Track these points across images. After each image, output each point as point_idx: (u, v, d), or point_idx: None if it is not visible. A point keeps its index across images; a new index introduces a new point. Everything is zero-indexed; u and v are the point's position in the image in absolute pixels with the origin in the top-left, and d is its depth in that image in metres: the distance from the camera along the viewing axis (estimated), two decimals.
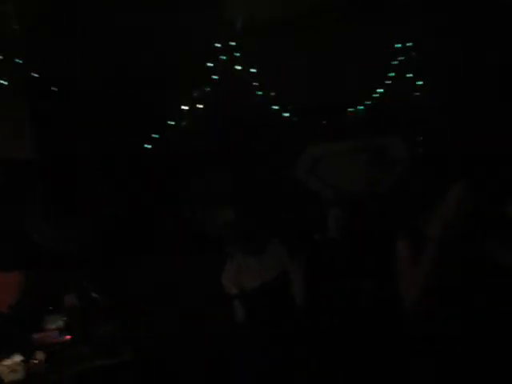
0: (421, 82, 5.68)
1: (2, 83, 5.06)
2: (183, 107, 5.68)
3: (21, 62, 5.07)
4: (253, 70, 5.73)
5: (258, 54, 5.63)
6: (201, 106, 5.69)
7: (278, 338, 4.42)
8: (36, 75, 5.19)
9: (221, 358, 4.78)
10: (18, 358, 4.23)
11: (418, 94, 5.70)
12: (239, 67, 5.70)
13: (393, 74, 5.76)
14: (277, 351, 4.38)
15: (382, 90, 5.80)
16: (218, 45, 5.66)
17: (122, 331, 4.76)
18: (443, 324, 2.65)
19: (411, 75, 5.70)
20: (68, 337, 4.74)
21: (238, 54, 5.69)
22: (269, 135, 5.85)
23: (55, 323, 4.82)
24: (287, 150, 5.94)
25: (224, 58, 5.67)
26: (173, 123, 5.68)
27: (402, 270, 2.72)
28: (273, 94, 5.80)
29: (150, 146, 5.65)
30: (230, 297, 4.62)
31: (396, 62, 5.73)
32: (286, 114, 5.86)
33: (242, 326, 4.59)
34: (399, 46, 5.68)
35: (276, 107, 5.84)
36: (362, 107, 5.87)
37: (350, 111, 5.87)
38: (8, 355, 4.23)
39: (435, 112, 5.63)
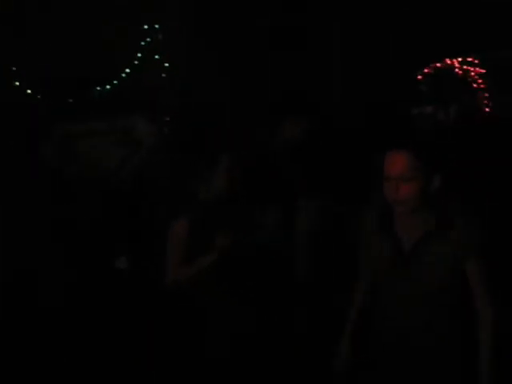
0: (167, 64, 5.81)
1: None
2: None
3: None
4: None
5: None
6: None
7: None
8: None
9: None
10: None
11: (164, 75, 5.83)
12: None
13: (140, 55, 5.79)
14: None
15: (129, 71, 5.80)
16: None
17: None
18: None
19: (158, 57, 5.80)
20: None
21: None
22: (12, 113, 5.46)
23: None
24: (33, 129, 5.60)
25: None
26: None
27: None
28: (14, 68, 5.42)
29: None
30: None
31: (144, 43, 5.77)
32: (29, 91, 5.53)
33: None
34: (146, 27, 5.73)
35: (17, 83, 5.48)
36: (108, 87, 5.80)
37: (96, 90, 5.76)
38: None
39: (179, 94, 5.82)
